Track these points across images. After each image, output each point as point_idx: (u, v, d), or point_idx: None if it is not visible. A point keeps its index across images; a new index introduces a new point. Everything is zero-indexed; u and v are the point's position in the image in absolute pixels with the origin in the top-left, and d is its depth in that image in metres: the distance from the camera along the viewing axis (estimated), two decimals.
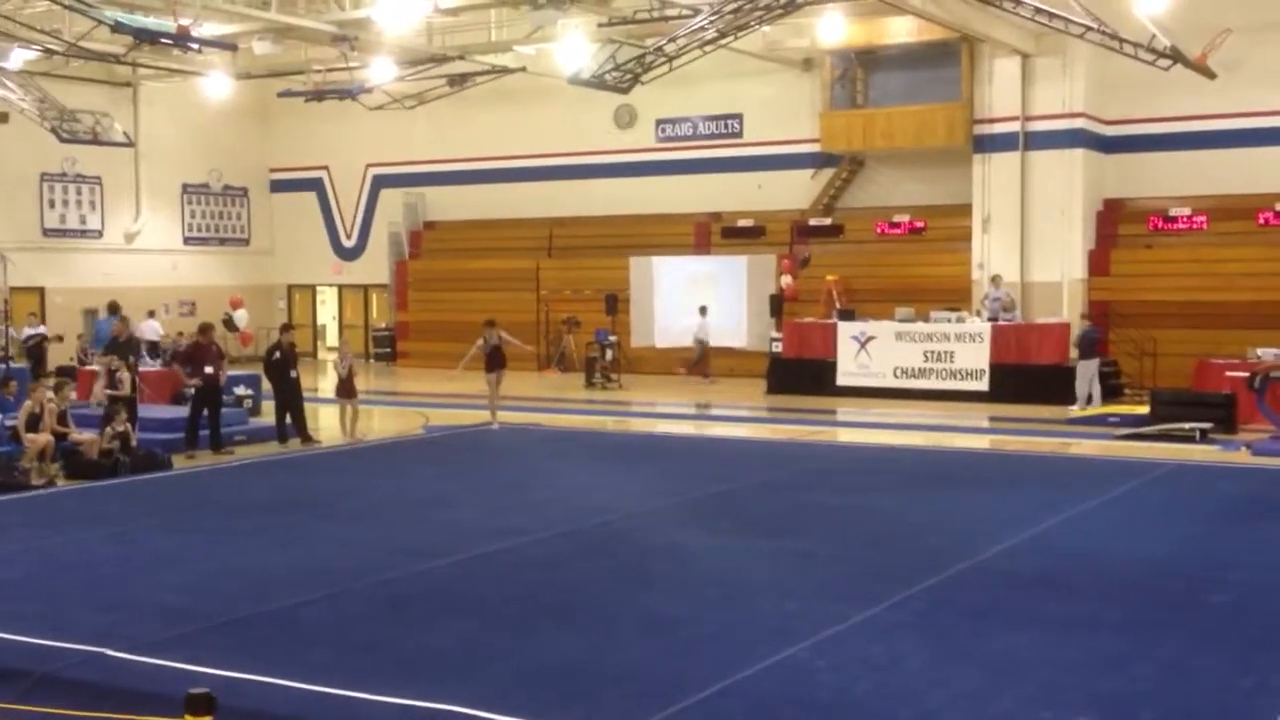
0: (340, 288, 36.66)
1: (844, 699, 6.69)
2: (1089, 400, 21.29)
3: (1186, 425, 17.69)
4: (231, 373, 19.42)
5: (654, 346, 29.26)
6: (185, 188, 34.51)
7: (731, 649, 7.53)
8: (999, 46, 24.80)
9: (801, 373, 24.52)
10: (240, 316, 29.19)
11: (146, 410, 17.86)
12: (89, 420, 16.30)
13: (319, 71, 27.71)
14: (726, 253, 29.05)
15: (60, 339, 25.13)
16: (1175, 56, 21.22)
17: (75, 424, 15.67)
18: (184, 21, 19.05)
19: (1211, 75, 22.43)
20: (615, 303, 28.78)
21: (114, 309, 22.29)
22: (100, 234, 32.62)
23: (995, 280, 24.34)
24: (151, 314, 26.71)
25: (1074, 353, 21.97)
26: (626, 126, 31.05)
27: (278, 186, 36.53)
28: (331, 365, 19.65)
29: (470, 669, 7.23)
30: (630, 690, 6.85)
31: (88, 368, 22.20)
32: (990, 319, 23.56)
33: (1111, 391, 22.96)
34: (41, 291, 30.71)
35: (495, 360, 19.31)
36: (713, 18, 21.52)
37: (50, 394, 15.49)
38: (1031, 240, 25.26)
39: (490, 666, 7.28)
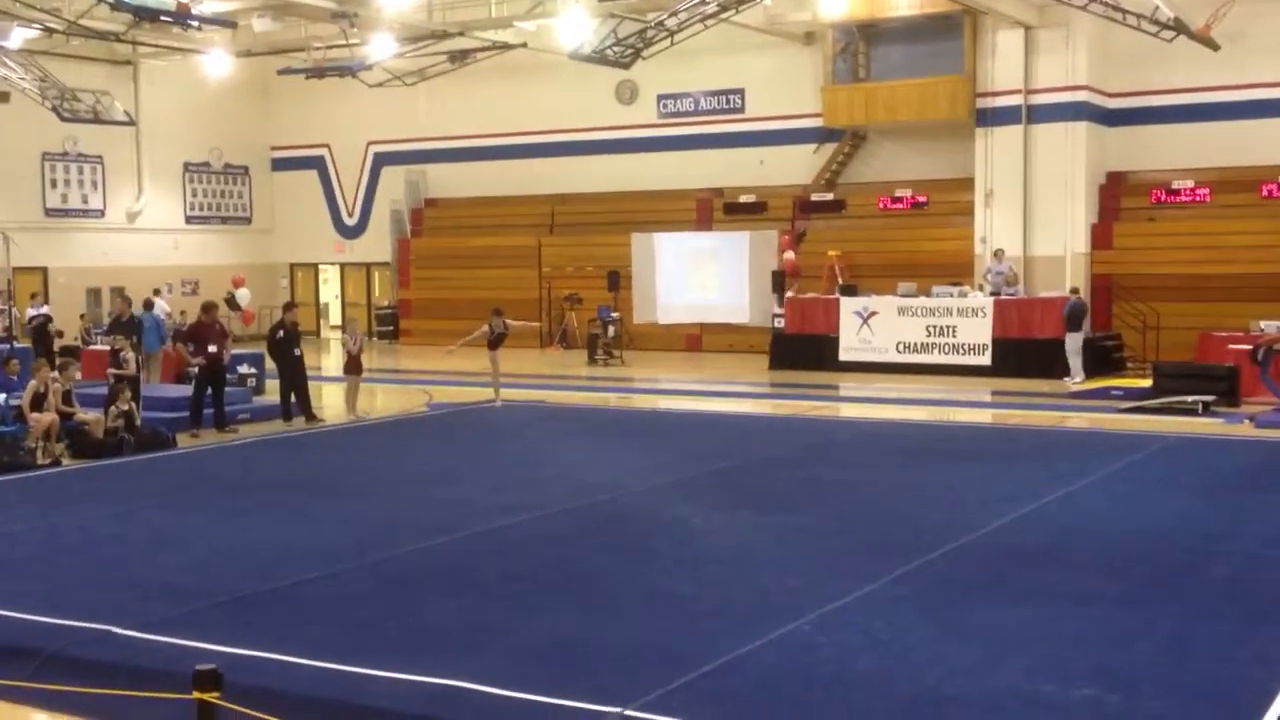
0: (342, 266, 36.66)
1: (845, 674, 6.73)
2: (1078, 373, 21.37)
3: (1189, 398, 17.70)
4: (235, 351, 19.46)
5: (656, 323, 29.27)
6: (186, 166, 34.48)
7: (733, 624, 7.57)
8: (1001, 19, 24.69)
9: (803, 348, 24.53)
10: (242, 295, 29.21)
11: (151, 389, 17.90)
12: (94, 400, 16.33)
13: (319, 49, 27.64)
14: (729, 228, 29.01)
15: (61, 334, 25.21)
16: (1178, 28, 21.12)
17: (80, 403, 15.70)
18: None
19: (1215, 47, 22.31)
20: (617, 279, 28.77)
21: (148, 305, 22.36)
22: (102, 213, 32.62)
23: (998, 254, 24.31)
24: (158, 292, 26.73)
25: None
26: (628, 102, 30.97)
27: (279, 165, 36.49)
28: (341, 343, 19.74)
29: (473, 645, 7.28)
30: (633, 665, 6.88)
31: (91, 347, 22.24)
32: (993, 293, 23.55)
33: (1114, 365, 22.99)
34: (44, 271, 30.73)
35: (497, 339, 19.45)
36: None
37: (54, 373, 15.52)
38: (1034, 214, 25.21)
39: (493, 643, 7.33)
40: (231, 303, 28.57)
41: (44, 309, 25.93)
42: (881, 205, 27.77)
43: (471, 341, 19.81)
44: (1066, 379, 21.36)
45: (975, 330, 23.01)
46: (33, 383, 15.08)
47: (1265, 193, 24.28)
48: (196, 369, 17.28)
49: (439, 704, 6.35)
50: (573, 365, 26.36)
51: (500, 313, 19.77)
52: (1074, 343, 21.57)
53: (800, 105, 28.57)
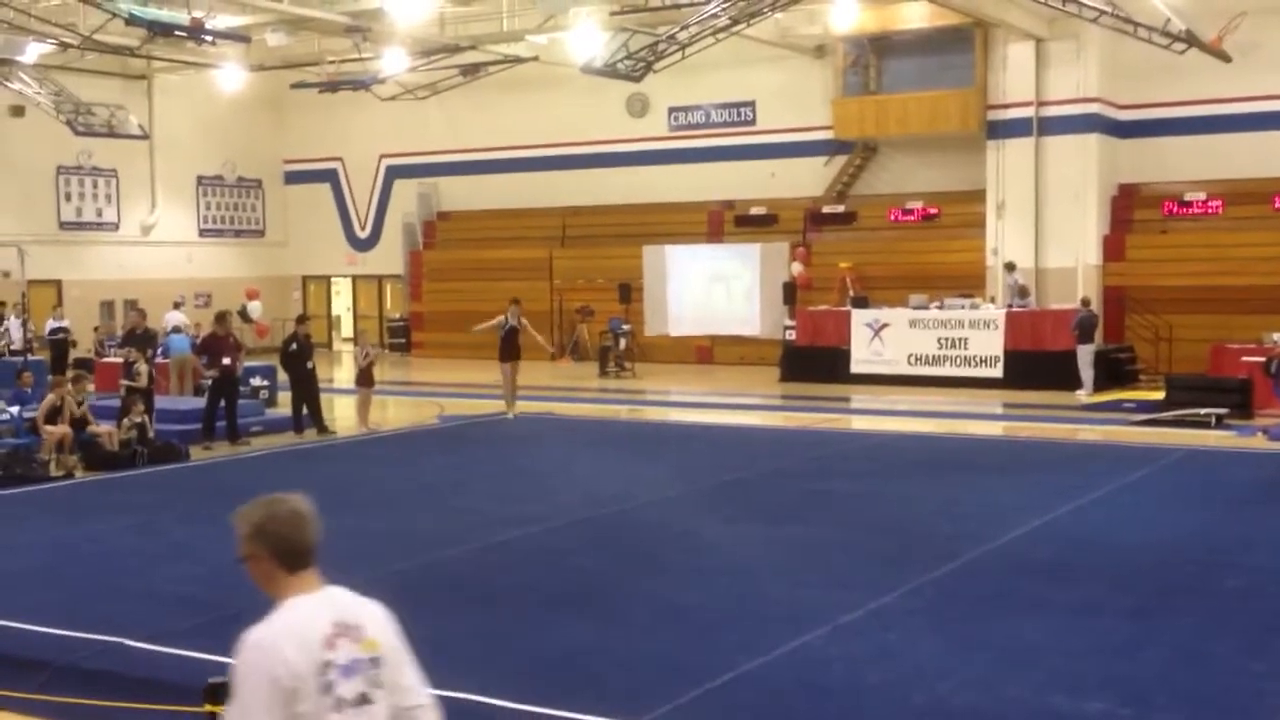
0: (354, 278, 36.74)
1: (857, 686, 6.72)
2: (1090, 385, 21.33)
3: (1202, 411, 17.62)
4: (247, 364, 19.50)
5: (667, 335, 29.28)
6: (200, 180, 34.60)
7: (744, 637, 7.56)
8: (1012, 31, 24.68)
9: (815, 360, 24.48)
10: (254, 308, 29.34)
11: (164, 401, 17.95)
12: (107, 412, 16.39)
13: (332, 63, 27.76)
14: (740, 241, 29.02)
15: (74, 344, 25.38)
16: (1190, 40, 21.11)
17: (93, 415, 15.73)
18: (197, 14, 19.15)
19: (1226, 59, 22.29)
20: (629, 292, 28.79)
21: (177, 330, 22.46)
22: (116, 226, 32.74)
23: (1009, 267, 24.33)
24: (176, 305, 26.83)
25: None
26: (639, 115, 31.00)
27: (292, 178, 36.61)
28: (353, 357, 19.76)
29: (483, 657, 7.28)
30: (643, 678, 6.88)
31: (105, 360, 22.33)
32: (1007, 305, 23.54)
33: (1126, 377, 22.92)
34: (59, 285, 30.84)
35: (510, 349, 19.28)
36: (725, 5, 21.49)
37: (69, 386, 15.59)
38: (1046, 226, 25.16)
39: (504, 654, 7.33)
40: (244, 315, 28.68)
41: (64, 322, 26.05)
42: (892, 217, 27.75)
43: (486, 330, 19.53)
44: (1079, 391, 21.30)
45: (987, 342, 22.96)
46: (50, 397, 15.13)
47: (1277, 204, 24.20)
48: (210, 381, 17.34)
49: (448, 717, 6.34)
50: (584, 377, 26.37)
51: (518, 302, 19.66)
52: (1085, 355, 21.51)
53: (811, 118, 28.57)
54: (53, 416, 14.87)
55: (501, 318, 19.33)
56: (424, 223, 34.00)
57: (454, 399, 21.91)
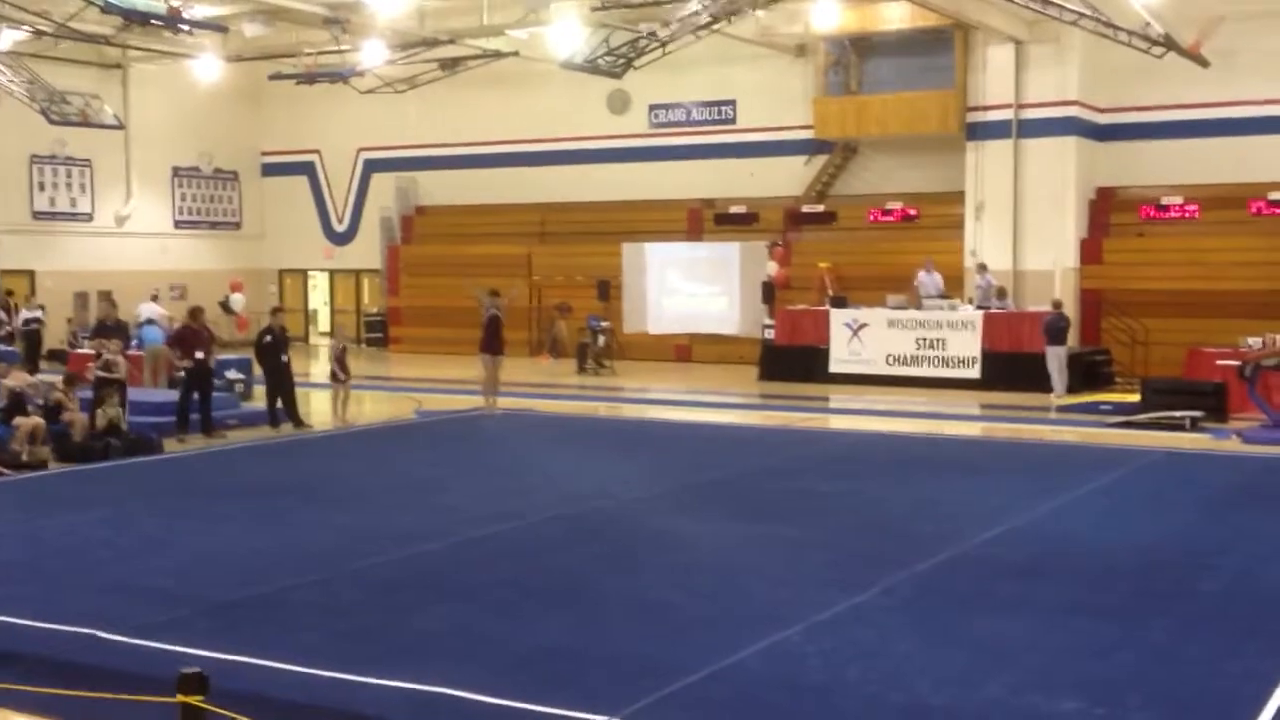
0: (331, 272, 36.56)
1: (833, 683, 6.71)
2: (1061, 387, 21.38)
3: (1177, 414, 17.70)
4: (223, 357, 19.33)
5: (646, 333, 29.25)
6: (176, 171, 34.36)
7: (722, 633, 7.55)
8: (992, 33, 24.75)
9: (793, 360, 24.51)
10: (237, 300, 29.17)
11: (138, 393, 17.81)
12: (80, 404, 16.22)
13: (310, 54, 27.56)
14: (719, 239, 29.02)
15: (42, 340, 25.21)
16: (1169, 44, 21.18)
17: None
18: (174, 3, 18.99)
19: (1205, 64, 22.38)
20: (608, 289, 28.73)
21: (150, 321, 22.28)
22: (90, 217, 32.47)
23: (981, 268, 24.45)
24: (154, 298, 26.64)
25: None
26: (619, 112, 30.96)
27: (269, 170, 36.41)
28: (327, 350, 19.65)
29: (461, 652, 7.24)
30: (621, 674, 6.86)
31: (78, 351, 22.16)
32: (979, 307, 23.59)
33: (1102, 380, 23.02)
34: (32, 275, 30.60)
35: (493, 342, 19.18)
36: (706, 2, 21.46)
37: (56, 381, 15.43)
38: (1024, 228, 25.24)
39: (481, 650, 7.30)
40: (225, 307, 28.50)
41: (37, 312, 25.82)
42: (872, 218, 27.78)
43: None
44: (1051, 394, 21.35)
45: (964, 343, 23.03)
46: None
47: (1254, 209, 24.32)
48: (184, 373, 17.21)
49: (425, 711, 6.32)
50: (562, 374, 26.32)
51: (498, 294, 19.56)
52: (1053, 357, 21.53)
53: (791, 117, 28.58)
54: (18, 406, 14.68)
55: (486, 306, 19.31)
56: (402, 217, 33.86)
57: (431, 394, 21.83)
